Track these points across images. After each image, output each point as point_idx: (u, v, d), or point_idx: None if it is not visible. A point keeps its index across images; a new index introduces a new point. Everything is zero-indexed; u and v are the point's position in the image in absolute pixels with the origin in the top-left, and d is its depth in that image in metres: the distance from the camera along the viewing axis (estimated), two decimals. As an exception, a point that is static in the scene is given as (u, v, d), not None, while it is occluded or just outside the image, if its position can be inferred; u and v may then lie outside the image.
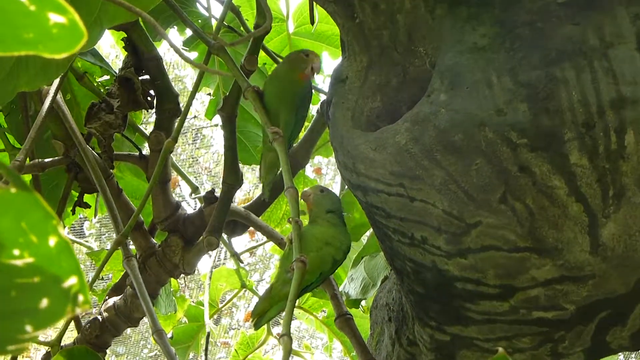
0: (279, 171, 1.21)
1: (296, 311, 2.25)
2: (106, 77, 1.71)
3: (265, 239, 2.18)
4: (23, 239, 0.34)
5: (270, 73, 1.21)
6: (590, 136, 0.80)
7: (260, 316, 1.10)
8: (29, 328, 0.35)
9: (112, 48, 3.89)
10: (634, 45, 0.81)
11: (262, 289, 2.32)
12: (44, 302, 0.35)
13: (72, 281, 0.35)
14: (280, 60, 1.65)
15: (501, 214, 0.84)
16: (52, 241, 0.35)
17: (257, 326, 1.12)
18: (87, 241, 2.79)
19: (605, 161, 0.80)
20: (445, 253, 0.89)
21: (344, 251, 1.06)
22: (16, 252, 0.35)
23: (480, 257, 0.87)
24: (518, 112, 0.83)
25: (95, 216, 1.77)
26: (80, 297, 0.35)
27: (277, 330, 2.08)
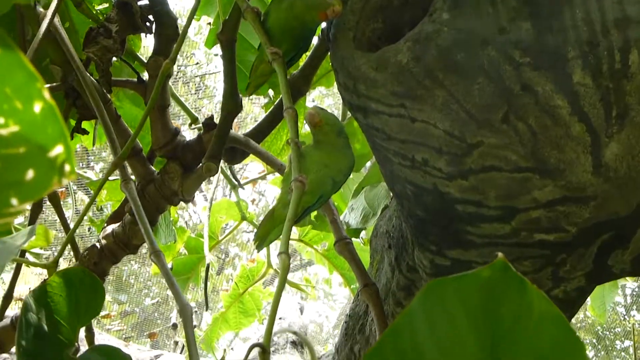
0: (265, 81, 1.21)
1: (297, 244, 2.25)
2: (105, 5, 1.69)
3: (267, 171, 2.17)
4: (8, 106, 0.33)
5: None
6: (594, 55, 0.78)
7: (263, 239, 1.10)
8: (14, 201, 0.34)
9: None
10: (640, -36, 0.79)
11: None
12: (30, 174, 0.34)
13: (58, 150, 0.33)
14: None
15: (503, 134, 0.83)
16: (37, 107, 0.33)
17: (259, 248, 1.12)
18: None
19: (609, 80, 0.78)
20: (446, 175, 0.88)
21: (344, 172, 1.04)
22: (1, 120, 0.34)
23: (481, 178, 0.86)
24: (521, 30, 0.81)
25: (93, 145, 1.76)
26: (67, 167, 0.33)
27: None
